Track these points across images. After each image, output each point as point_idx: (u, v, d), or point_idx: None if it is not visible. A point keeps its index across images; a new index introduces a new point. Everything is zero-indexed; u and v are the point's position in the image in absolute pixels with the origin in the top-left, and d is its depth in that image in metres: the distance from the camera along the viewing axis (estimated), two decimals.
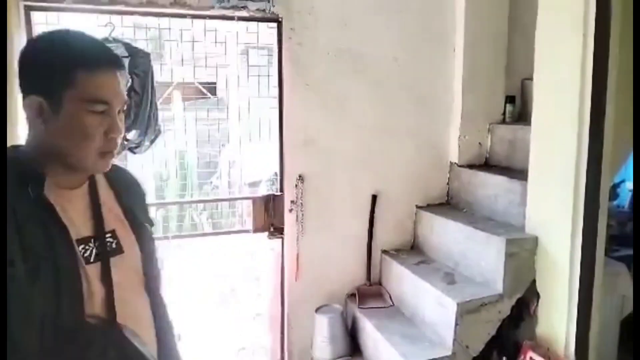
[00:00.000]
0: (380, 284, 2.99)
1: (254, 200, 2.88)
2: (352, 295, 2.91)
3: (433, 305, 2.45)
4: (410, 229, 3.05)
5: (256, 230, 2.85)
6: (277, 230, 2.86)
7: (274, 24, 2.75)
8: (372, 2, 2.83)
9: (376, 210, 2.94)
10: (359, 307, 2.78)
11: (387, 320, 2.65)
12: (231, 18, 2.67)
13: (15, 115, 2.14)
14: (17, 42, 2.24)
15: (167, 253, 2.84)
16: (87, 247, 1.01)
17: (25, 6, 2.36)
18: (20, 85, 0.97)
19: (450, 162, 3.07)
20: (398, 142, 2.97)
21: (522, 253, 2.33)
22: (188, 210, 4.03)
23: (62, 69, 0.94)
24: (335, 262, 2.92)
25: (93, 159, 0.99)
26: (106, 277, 1.02)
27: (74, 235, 0.99)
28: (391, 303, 2.82)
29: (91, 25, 2.48)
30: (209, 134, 3.56)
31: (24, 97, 0.95)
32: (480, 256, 2.47)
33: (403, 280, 2.76)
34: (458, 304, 2.27)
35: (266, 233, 2.86)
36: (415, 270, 2.69)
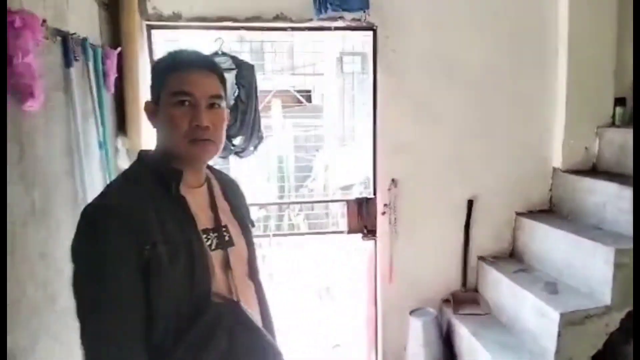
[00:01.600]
0: (476, 290, 2.93)
1: (348, 202, 2.96)
2: (447, 300, 2.88)
3: (534, 315, 2.36)
4: (509, 235, 2.96)
5: (350, 231, 2.93)
6: (370, 232, 2.92)
7: (369, 32, 2.82)
8: (466, 6, 2.79)
9: (472, 215, 2.89)
10: (454, 313, 2.76)
11: (483, 328, 2.60)
12: (328, 28, 2.78)
13: (138, 124, 2.42)
14: (140, 57, 2.51)
15: (268, 250, 3.01)
16: (208, 237, 1.15)
17: (147, 25, 2.64)
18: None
19: (554, 167, 2.93)
20: (496, 146, 2.89)
21: (632, 264, 2.18)
22: (286, 211, 4.21)
23: (160, 75, 1.14)
24: (430, 266, 2.91)
25: (184, 145, 1.11)
26: (225, 264, 1.17)
27: (199, 226, 1.13)
28: (488, 310, 2.76)
29: (203, 40, 2.72)
30: (305, 139, 3.71)
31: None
32: (586, 266, 2.34)
33: (501, 288, 2.69)
34: (561, 315, 2.18)
35: (360, 234, 2.93)
36: (514, 278, 2.61)
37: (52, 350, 1.61)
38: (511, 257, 2.95)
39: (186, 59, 1.15)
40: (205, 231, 1.15)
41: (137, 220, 1.02)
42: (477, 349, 2.46)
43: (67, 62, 1.83)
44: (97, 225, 1.00)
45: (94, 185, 2.00)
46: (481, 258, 2.92)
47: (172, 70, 1.12)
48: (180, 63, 1.14)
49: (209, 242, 1.14)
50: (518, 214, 2.93)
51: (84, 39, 1.98)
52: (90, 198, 1.88)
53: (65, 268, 1.68)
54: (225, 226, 1.21)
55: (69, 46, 1.82)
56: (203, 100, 1.12)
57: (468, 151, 2.88)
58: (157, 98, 1.13)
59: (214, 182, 1.26)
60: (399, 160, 2.84)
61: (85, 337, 1.00)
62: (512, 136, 2.89)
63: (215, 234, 1.17)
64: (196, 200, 1.16)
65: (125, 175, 1.16)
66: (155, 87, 1.14)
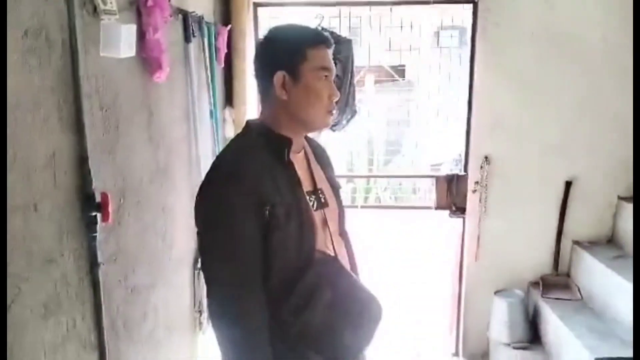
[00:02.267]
0: (568, 275, 2.85)
1: (437, 178, 2.98)
2: (536, 283, 2.83)
3: (629, 303, 2.26)
4: (609, 220, 2.82)
5: (438, 207, 2.96)
6: (458, 209, 2.93)
7: (469, 5, 2.77)
8: None
9: (570, 197, 2.79)
10: (542, 296, 2.71)
11: (572, 313, 2.53)
12: (427, 2, 2.78)
13: (243, 96, 2.61)
14: (248, 33, 2.69)
15: (355, 221, 3.12)
16: (310, 199, 1.28)
17: (254, 3, 2.81)
18: (265, 66, 1.25)
19: None
20: (601, 127, 2.74)
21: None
22: (373, 186, 4.30)
23: (298, 48, 1.21)
24: (519, 247, 2.87)
25: (323, 115, 1.24)
26: (324, 223, 1.29)
27: (304, 188, 1.26)
28: (579, 296, 2.68)
29: (304, 17, 2.84)
30: (397, 115, 3.74)
31: (271, 74, 1.21)
32: None
33: (595, 274, 2.59)
34: None
35: (448, 211, 2.95)
36: (611, 265, 2.50)
37: (166, 292, 1.86)
38: (610, 243, 2.81)
39: (325, 36, 1.25)
40: (308, 193, 1.27)
41: (259, 185, 1.14)
42: (563, 331, 2.42)
43: (187, 38, 2.04)
44: (225, 192, 1.13)
45: (205, 150, 2.22)
46: (576, 242, 2.82)
47: (315, 45, 1.20)
48: (323, 40, 1.23)
49: (311, 203, 1.26)
50: (620, 198, 2.78)
51: (201, 17, 2.18)
52: (202, 161, 2.12)
53: (181, 220, 1.92)
54: (321, 189, 1.33)
55: (188, 23, 2.03)
56: (333, 78, 1.25)
57: (571, 131, 2.75)
58: (293, 70, 1.19)
59: (308, 148, 1.37)
60: (494, 137, 2.79)
61: (214, 286, 1.16)
62: (620, 117, 2.72)
63: (315, 196, 1.30)
64: (299, 165, 1.28)
65: (240, 141, 1.28)
66: (292, 60, 1.19)
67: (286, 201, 1.17)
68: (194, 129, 2.11)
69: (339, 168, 4.46)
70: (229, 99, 2.67)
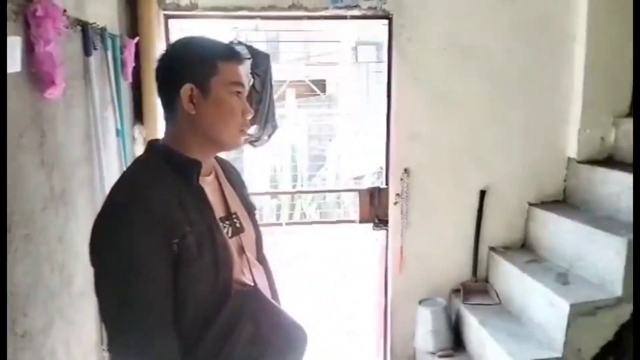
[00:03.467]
0: (486, 281, 2.95)
1: (360, 192, 2.99)
2: (457, 290, 2.90)
3: (543, 306, 2.37)
4: (521, 226, 2.96)
5: (362, 221, 2.96)
6: (381, 222, 2.94)
7: (385, 21, 2.82)
8: None
9: (485, 206, 2.90)
10: (463, 303, 2.77)
11: (493, 318, 2.61)
12: (344, 17, 2.79)
13: (154, 112, 2.46)
14: (158, 46, 2.55)
15: (280, 238, 3.05)
16: (224, 225, 1.18)
17: (165, 15, 2.68)
18: (171, 79, 1.14)
19: (568, 157, 2.91)
20: (510, 136, 2.88)
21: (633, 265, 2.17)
22: (298, 200, 4.25)
23: (208, 61, 1.12)
24: (440, 256, 2.93)
25: (236, 134, 1.17)
26: (240, 250, 1.20)
27: (217, 214, 1.16)
28: (498, 301, 2.77)
29: (219, 29, 2.75)
30: (319, 129, 3.73)
31: (177, 87, 1.10)
32: (598, 257, 2.34)
33: (511, 279, 2.70)
34: (571, 305, 2.19)
35: (371, 224, 2.95)
36: (525, 268, 2.61)
37: (66, 332, 1.67)
38: (523, 248, 2.95)
39: (237, 51, 1.18)
40: (221, 219, 1.17)
41: (166, 214, 1.02)
42: (485, 338, 2.48)
43: (87, 51, 1.88)
44: (126, 222, 1.00)
45: (111, 172, 2.05)
46: (492, 249, 2.93)
47: (227, 59, 1.13)
48: (235, 54, 1.16)
49: (225, 230, 1.17)
50: (531, 204, 2.93)
51: (103, 28, 2.02)
52: (107, 184, 1.95)
53: (81, 252, 1.74)
54: (235, 213, 1.24)
55: (88, 35, 1.87)
56: (245, 95, 1.17)
57: (482, 140, 2.87)
58: (202, 83, 1.10)
59: (218, 169, 1.28)
60: (412, 149, 2.85)
61: (117, 335, 1.02)
62: (527, 125, 2.88)
63: (229, 222, 1.21)
64: (209, 189, 1.18)
65: (142, 165, 1.15)
66: (202, 72, 1.11)
67: (197, 230, 1.07)
68: (97, 149, 1.94)
69: (262, 184, 4.40)
70: (138, 115, 2.51)
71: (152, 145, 1.18)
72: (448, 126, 2.85)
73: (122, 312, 1.01)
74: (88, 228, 1.05)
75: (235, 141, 1.19)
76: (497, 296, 2.79)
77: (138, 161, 1.19)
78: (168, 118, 1.17)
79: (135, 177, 1.11)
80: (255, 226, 1.32)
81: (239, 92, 1.15)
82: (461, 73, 2.82)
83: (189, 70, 1.11)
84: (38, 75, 1.43)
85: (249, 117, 1.18)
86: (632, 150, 2.70)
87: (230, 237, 1.18)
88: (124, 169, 2.17)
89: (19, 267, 1.35)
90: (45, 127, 1.53)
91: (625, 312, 2.19)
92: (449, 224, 2.91)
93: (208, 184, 1.19)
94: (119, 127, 2.15)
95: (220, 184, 1.25)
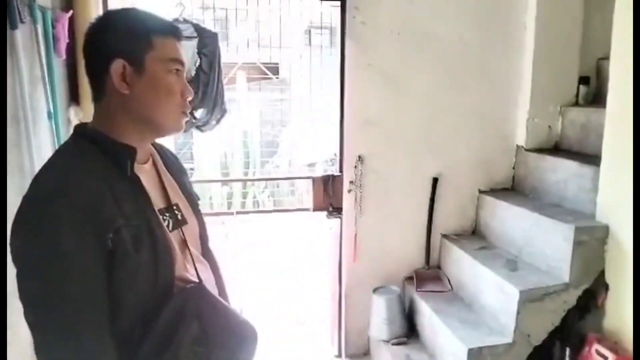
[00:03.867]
0: (439, 267, 2.96)
1: (314, 179, 2.92)
2: (410, 278, 2.90)
3: (494, 292, 2.40)
4: (472, 213, 2.99)
5: (316, 209, 2.90)
6: (335, 210, 2.89)
7: (338, 3, 2.74)
8: None
9: (437, 193, 2.90)
10: (417, 290, 2.78)
11: (445, 305, 2.63)
12: None
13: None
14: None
15: (232, 227, 2.94)
16: (164, 218, 1.07)
17: None
18: (100, 54, 1.01)
19: (517, 145, 2.95)
20: (462, 124, 2.89)
21: (591, 242, 2.23)
22: (251, 188, 4.14)
23: (142, 34, 1.01)
24: (394, 244, 2.92)
25: (176, 116, 1.06)
26: (183, 244, 1.10)
27: (156, 206, 1.05)
28: (450, 287, 2.79)
29: (163, 5, 2.58)
30: (271, 115, 3.63)
31: (107, 63, 0.98)
32: (546, 244, 2.38)
33: (463, 266, 2.72)
34: (521, 292, 2.21)
35: (325, 212, 2.90)
36: (476, 255, 2.64)
37: None
38: (474, 235, 2.98)
39: (175, 26, 1.07)
40: (160, 211, 1.07)
41: (97, 206, 0.91)
42: (437, 324, 2.49)
43: (12, 24, 1.69)
44: (51, 215, 0.88)
45: (42, 157, 1.88)
46: (444, 236, 2.95)
47: (162, 34, 1.02)
48: (173, 28, 1.05)
49: (165, 223, 1.06)
50: (481, 192, 2.96)
51: (32, 0, 1.83)
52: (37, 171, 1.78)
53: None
54: (176, 204, 1.14)
55: (13, 6, 1.68)
56: (186, 75, 1.07)
57: (436, 127, 2.87)
58: (136, 59, 0.99)
59: (156, 156, 1.17)
60: (366, 136, 2.80)
61: (44, 342, 0.91)
62: (478, 113, 2.90)
63: (169, 214, 1.10)
64: (146, 178, 1.07)
65: (67, 152, 1.02)
66: (136, 47, 1.00)
67: (133, 224, 0.96)
68: (25, 133, 1.77)
69: (212, 171, 4.24)
70: (74, 96, 2.31)
71: (79, 130, 1.05)
72: (402, 113, 2.82)
73: (49, 316, 0.90)
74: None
75: (175, 124, 1.08)
76: (449, 283, 2.81)
77: (63, 148, 1.05)
78: (97, 99, 1.04)
79: (60, 166, 0.98)
80: (199, 218, 1.22)
81: (177, 70, 1.04)
82: (415, 59, 2.79)
83: (121, 45, 0.99)
84: None
85: (189, 98, 1.08)
86: (577, 138, 2.77)
87: (171, 231, 1.08)
88: None
89: None
90: None
91: (572, 297, 2.24)
92: (403, 212, 2.90)
93: (144, 172, 1.08)
94: (51, 109, 1.96)
95: (158, 173, 1.14)
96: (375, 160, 2.82)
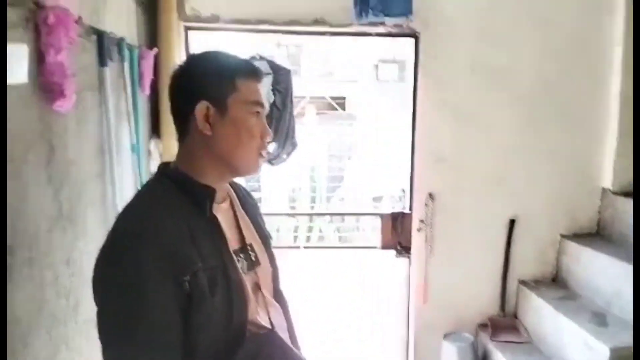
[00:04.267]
0: (515, 316, 2.77)
1: (383, 216, 2.85)
2: (484, 325, 2.73)
3: (579, 348, 2.19)
4: (553, 259, 2.79)
5: (384, 247, 2.82)
6: (404, 248, 2.80)
7: (411, 39, 2.71)
8: (515, 13, 2.64)
9: (514, 236, 2.73)
10: (491, 339, 2.60)
11: (523, 357, 2.45)
12: (369, 34, 2.68)
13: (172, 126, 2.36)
14: (177, 58, 2.46)
15: (298, 262, 2.91)
16: (239, 259, 1.06)
17: (185, 26, 2.60)
18: (185, 96, 1.04)
19: (603, 187, 2.74)
20: (541, 163, 2.73)
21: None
22: (316, 222, 4.11)
23: (226, 77, 1.02)
24: (466, 288, 2.77)
25: (255, 158, 1.06)
26: (256, 287, 1.08)
27: (231, 247, 1.04)
28: (528, 338, 2.59)
29: (240, 43, 2.66)
30: (338, 148, 3.62)
31: (192, 104, 1.00)
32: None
33: (542, 315, 2.52)
34: (611, 350, 2.02)
35: (393, 251, 2.81)
36: (557, 305, 2.44)
37: None
38: (554, 282, 2.77)
39: (257, 68, 1.09)
40: (235, 252, 1.06)
41: (177, 248, 0.92)
42: None
43: (102, 62, 1.78)
44: (133, 255, 0.90)
45: (124, 189, 1.95)
46: (522, 282, 2.76)
47: (247, 77, 1.04)
48: (255, 71, 1.07)
49: (240, 265, 1.05)
50: (563, 236, 2.76)
51: (121, 39, 1.93)
52: (120, 202, 1.84)
53: (90, 275, 1.62)
54: (250, 244, 1.13)
55: (104, 45, 1.77)
56: (265, 113, 1.08)
57: (512, 167, 2.72)
58: (219, 101, 1.01)
59: (233, 195, 1.17)
60: (438, 173, 2.71)
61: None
62: (560, 153, 2.73)
63: (244, 255, 1.09)
64: (223, 218, 1.07)
65: (152, 192, 1.05)
66: (220, 89, 1.01)
67: (210, 266, 0.95)
68: (109, 164, 1.84)
69: (280, 204, 4.27)
70: (155, 129, 2.41)
71: (163, 170, 1.08)
72: (476, 150, 2.71)
73: (128, 355, 0.90)
74: (99, 248, 0.93)
75: (254, 165, 1.08)
76: (527, 333, 2.61)
77: (147, 188, 1.08)
78: (181, 139, 1.06)
79: (145, 206, 1.00)
80: (272, 259, 1.20)
81: (257, 112, 1.05)
82: (490, 95, 2.69)
83: (205, 87, 1.01)
84: (48, 87, 1.33)
85: (268, 139, 1.08)
86: None
87: (245, 273, 1.06)
88: (139, 185, 2.06)
89: (20, 293, 1.23)
90: (55, 141, 1.43)
91: None
92: (476, 254, 2.75)
93: (222, 212, 1.08)
94: (134, 141, 2.04)
95: (234, 212, 1.14)
96: (447, 198, 2.72)
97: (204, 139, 1.01)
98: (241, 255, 1.08)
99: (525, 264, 2.77)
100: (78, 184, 1.60)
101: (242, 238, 1.11)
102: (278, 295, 1.21)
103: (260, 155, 1.08)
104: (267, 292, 1.13)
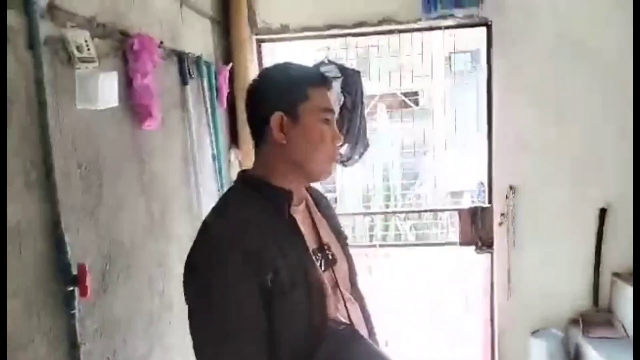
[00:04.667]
0: (609, 310, 2.60)
1: (460, 212, 2.79)
2: (575, 320, 2.58)
3: None
4: None
5: (462, 243, 2.76)
6: (485, 244, 2.72)
7: (483, 28, 2.63)
8: None
9: (606, 225, 2.56)
10: (584, 335, 2.46)
11: (619, 354, 2.28)
12: (438, 28, 2.64)
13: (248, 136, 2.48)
14: (251, 70, 2.58)
15: (375, 261, 2.94)
16: (317, 259, 1.11)
17: (257, 39, 2.71)
18: (260, 108, 1.10)
19: None
20: (632, 146, 2.53)
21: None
22: (392, 219, 4.11)
23: (298, 88, 1.07)
24: (554, 282, 2.63)
25: (327, 163, 1.11)
26: (336, 284, 1.12)
27: (310, 247, 1.10)
28: (625, 334, 2.42)
29: (310, 50, 2.73)
30: (413, 144, 3.59)
31: (267, 116, 1.06)
32: None
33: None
34: None
35: (473, 247, 2.74)
36: None
37: (166, 357, 1.68)
38: None
39: (326, 76, 1.14)
40: (314, 252, 1.10)
41: (260, 248, 0.98)
42: None
43: (184, 80, 1.93)
44: (219, 258, 0.97)
45: (207, 195, 2.09)
46: (616, 274, 2.58)
47: (317, 85, 1.09)
48: (325, 79, 1.12)
49: (318, 263, 1.10)
50: None
51: (199, 57, 2.07)
52: (204, 208, 1.98)
53: (181, 275, 1.76)
54: (327, 244, 1.17)
55: (184, 65, 1.92)
56: (335, 118, 1.13)
57: (602, 152, 2.55)
58: (292, 111, 1.06)
59: (308, 198, 1.22)
60: (519, 164, 2.60)
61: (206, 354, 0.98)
62: None
63: (321, 254, 1.13)
64: (301, 219, 1.12)
65: (234, 197, 1.12)
66: (292, 99, 1.06)
67: (290, 264, 1.01)
68: (194, 174, 1.98)
69: (354, 204, 4.30)
70: (233, 139, 2.54)
71: (243, 176, 1.15)
72: (560, 137, 2.56)
73: (217, 350, 0.97)
74: (187, 251, 1.03)
75: (326, 170, 1.13)
76: (624, 328, 2.45)
77: (229, 193, 1.16)
78: (257, 146, 1.13)
79: (228, 210, 1.08)
80: (348, 257, 1.24)
81: (328, 119, 1.09)
82: (573, 78, 2.53)
83: (279, 98, 1.07)
84: (137, 108, 1.47)
85: (339, 143, 1.12)
86: None
87: (324, 271, 1.11)
88: (220, 192, 2.20)
89: (120, 296, 1.38)
90: (145, 156, 1.57)
91: None
92: (564, 246, 2.61)
93: (299, 214, 1.13)
94: (215, 151, 2.18)
95: (310, 213, 1.19)
96: (530, 189, 2.60)
97: (280, 147, 1.06)
98: (319, 254, 1.13)
99: (619, 255, 2.58)
100: (167, 193, 1.75)
101: (319, 238, 1.16)
102: (355, 292, 1.24)
103: (333, 159, 1.12)
104: (344, 289, 1.17)
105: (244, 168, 1.24)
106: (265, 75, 1.16)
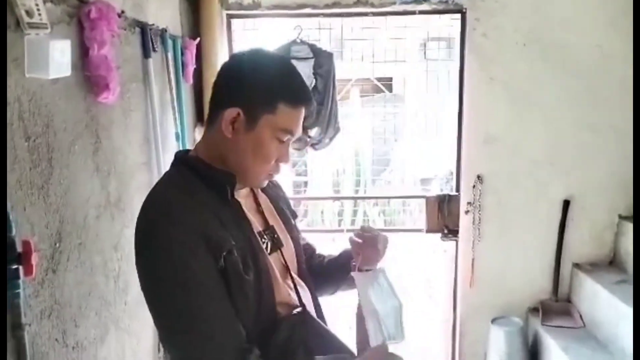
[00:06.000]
0: (569, 300, 2.66)
1: (428, 199, 2.79)
2: (535, 309, 2.64)
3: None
4: (610, 241, 2.64)
5: (429, 230, 2.77)
6: (451, 232, 2.74)
7: (457, 15, 2.61)
8: None
9: (568, 217, 2.61)
10: (542, 324, 2.51)
11: (576, 343, 2.34)
12: (412, 13, 2.61)
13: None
14: (220, 47, 2.50)
15: (343, 246, 2.92)
16: (263, 240, 1.08)
17: (227, 14, 2.62)
18: (224, 94, 1.04)
19: None
20: (598, 141, 2.57)
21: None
22: (361, 204, 4.10)
23: (270, 96, 1.00)
24: (516, 271, 2.68)
25: (260, 178, 1.07)
26: (285, 267, 1.11)
27: (255, 229, 1.07)
28: (582, 324, 2.49)
29: (281, 28, 2.66)
30: (384, 130, 3.57)
31: (227, 106, 1.00)
32: None
33: (598, 300, 2.41)
34: None
35: (439, 234, 2.76)
36: (614, 290, 2.32)
37: (121, 341, 1.63)
38: (611, 266, 2.63)
39: (307, 97, 1.07)
40: (260, 234, 1.08)
41: (206, 229, 0.94)
42: None
43: (146, 53, 1.83)
44: (165, 233, 0.93)
45: None
46: (577, 265, 2.64)
47: (289, 103, 1.00)
48: (303, 100, 1.04)
49: (264, 245, 1.07)
50: (622, 217, 2.61)
51: (164, 30, 1.98)
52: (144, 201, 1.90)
53: None
54: (272, 227, 1.15)
55: (147, 37, 1.82)
56: (294, 140, 1.08)
57: (566, 146, 2.59)
58: (252, 114, 0.99)
59: None
60: (486, 154, 2.62)
61: (179, 339, 0.95)
62: (618, 130, 2.55)
63: (268, 236, 1.11)
64: (245, 202, 1.10)
65: (173, 180, 1.05)
66: (258, 104, 0.99)
67: (239, 246, 0.98)
68: (155, 153, 1.90)
69: (324, 188, 4.28)
70: (199, 117, 2.46)
71: (181, 159, 1.09)
72: (527, 130, 2.59)
73: (186, 318, 0.94)
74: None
75: (254, 182, 1.10)
76: (581, 319, 2.51)
77: (169, 176, 1.08)
78: (208, 128, 1.08)
79: (168, 192, 1.02)
80: (294, 238, 1.21)
81: (283, 140, 1.03)
82: (543, 72, 2.54)
83: (245, 96, 1.00)
84: (93, 80, 1.39)
85: (285, 164, 1.09)
86: None
87: (270, 254, 1.09)
88: None
89: (71, 277, 1.32)
90: (101, 132, 1.49)
91: None
92: (527, 237, 2.66)
93: (243, 197, 1.11)
94: (179, 130, 2.10)
95: (255, 195, 1.17)
96: (497, 179, 2.63)
97: (225, 138, 1.01)
98: (265, 236, 1.10)
99: (581, 247, 2.64)
100: (125, 172, 1.67)
101: (264, 220, 1.14)
102: (302, 273, 1.22)
103: (270, 177, 1.09)
104: (294, 270, 1.16)
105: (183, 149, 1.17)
106: (243, 62, 1.07)
